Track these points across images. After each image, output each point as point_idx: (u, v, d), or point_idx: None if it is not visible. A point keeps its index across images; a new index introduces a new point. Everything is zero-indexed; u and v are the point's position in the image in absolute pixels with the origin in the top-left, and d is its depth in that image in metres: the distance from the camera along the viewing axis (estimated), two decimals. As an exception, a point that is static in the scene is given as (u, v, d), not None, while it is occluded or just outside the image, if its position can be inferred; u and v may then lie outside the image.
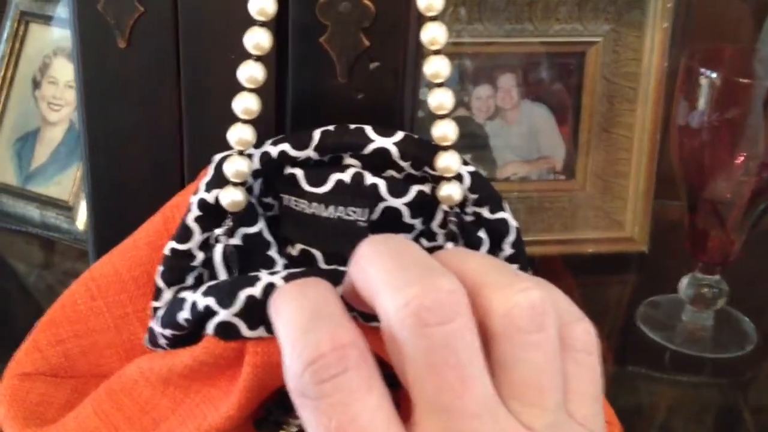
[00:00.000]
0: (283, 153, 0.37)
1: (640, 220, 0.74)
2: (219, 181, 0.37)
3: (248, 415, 0.35)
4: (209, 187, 0.37)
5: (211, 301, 0.33)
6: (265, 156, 0.37)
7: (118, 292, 0.38)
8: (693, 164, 0.60)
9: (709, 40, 0.72)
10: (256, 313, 0.33)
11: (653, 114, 0.70)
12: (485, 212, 0.38)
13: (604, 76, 0.71)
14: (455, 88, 0.70)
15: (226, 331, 0.33)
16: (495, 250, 0.39)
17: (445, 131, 0.36)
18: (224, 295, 0.33)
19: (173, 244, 0.37)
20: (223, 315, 0.33)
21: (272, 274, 0.34)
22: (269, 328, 0.33)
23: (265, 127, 0.39)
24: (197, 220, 0.37)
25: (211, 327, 0.33)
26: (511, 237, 0.39)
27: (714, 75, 0.57)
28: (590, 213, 0.74)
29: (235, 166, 0.36)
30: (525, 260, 0.40)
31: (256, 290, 0.33)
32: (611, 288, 0.75)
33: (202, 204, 0.36)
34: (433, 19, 0.35)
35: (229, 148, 0.36)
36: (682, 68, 0.59)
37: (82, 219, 0.71)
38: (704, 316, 0.65)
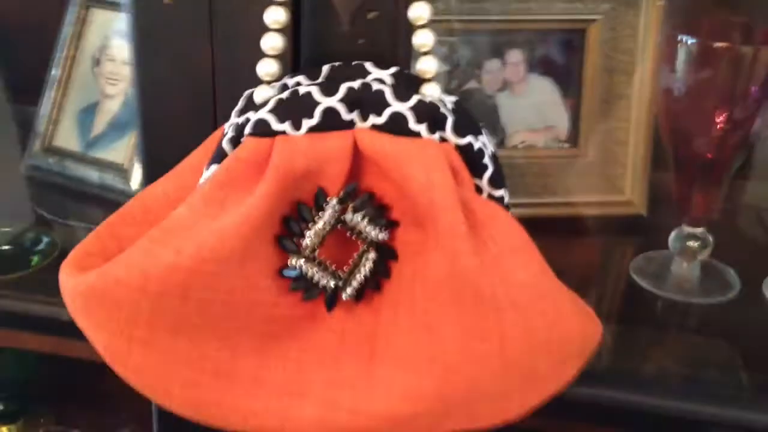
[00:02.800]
0: (297, 83, 0.45)
1: (638, 184, 0.80)
2: (248, 107, 0.45)
3: (270, 229, 0.43)
4: (240, 114, 0.45)
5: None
6: (284, 86, 0.45)
7: (164, 208, 0.47)
8: (675, 125, 0.67)
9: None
10: (283, 109, 0.42)
11: (649, 86, 0.77)
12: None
13: (603, 51, 0.78)
14: (467, 64, 0.78)
15: (260, 127, 0.42)
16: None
17: (424, 39, 0.43)
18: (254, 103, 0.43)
19: (213, 165, 0.45)
20: (259, 114, 0.42)
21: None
22: (294, 124, 0.42)
23: (284, 65, 0.47)
24: (231, 140, 0.45)
25: (248, 127, 0.42)
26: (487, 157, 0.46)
27: (691, 41, 0.63)
28: (592, 178, 0.81)
29: (263, 94, 0.44)
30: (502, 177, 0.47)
31: (282, 95, 0.42)
32: (611, 248, 0.81)
33: (235, 126, 0.45)
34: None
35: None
36: (664, 37, 0.65)
37: (135, 180, 0.80)
38: (691, 267, 0.71)
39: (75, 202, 0.83)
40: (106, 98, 0.83)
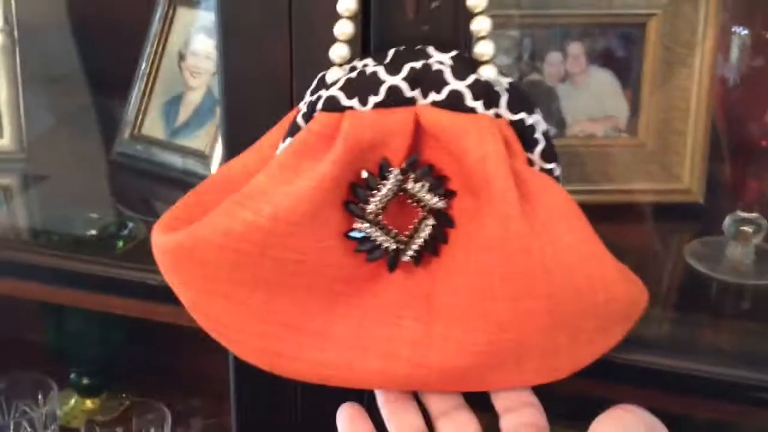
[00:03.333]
0: (365, 65, 0.49)
1: (696, 173, 0.82)
2: (320, 87, 0.50)
3: (339, 194, 0.47)
4: (313, 92, 0.50)
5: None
6: (353, 68, 0.50)
7: (245, 179, 0.52)
8: (729, 113, 0.70)
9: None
10: (351, 87, 0.47)
11: (706, 77, 0.79)
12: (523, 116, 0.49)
13: (662, 43, 0.80)
14: (529, 56, 0.82)
15: (331, 102, 0.47)
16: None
17: (481, 25, 0.48)
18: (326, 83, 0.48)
19: (288, 138, 0.50)
20: (330, 91, 0.47)
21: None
22: (362, 101, 0.47)
23: (354, 49, 0.52)
24: (304, 116, 0.50)
25: (320, 104, 0.47)
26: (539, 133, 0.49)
27: (744, 31, 0.66)
28: (651, 167, 0.83)
29: (334, 74, 0.49)
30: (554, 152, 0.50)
31: (351, 74, 0.47)
32: (669, 234, 0.83)
33: (309, 103, 0.49)
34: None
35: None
36: (719, 27, 0.68)
37: (215, 165, 0.86)
38: (746, 251, 0.74)
39: (160, 186, 0.89)
40: (189, 90, 0.90)
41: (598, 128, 0.83)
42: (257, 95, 0.57)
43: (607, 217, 0.82)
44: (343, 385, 0.51)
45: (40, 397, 1.06)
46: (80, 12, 1.05)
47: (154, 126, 0.91)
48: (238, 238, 0.47)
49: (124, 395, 1.15)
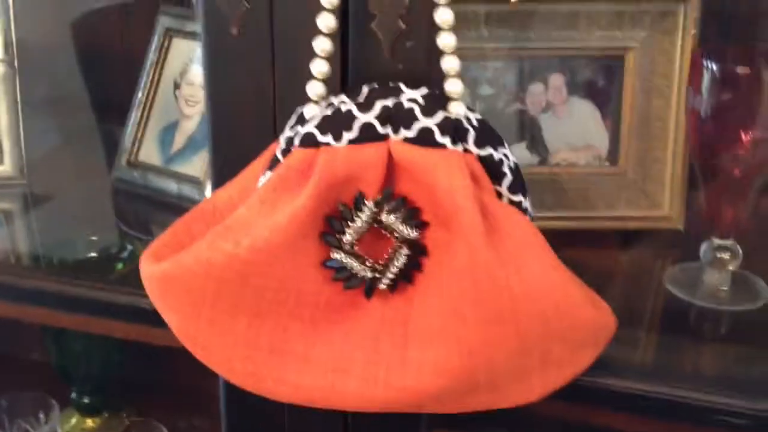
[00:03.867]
0: (341, 102, 0.52)
1: (676, 200, 0.85)
2: (297, 122, 0.52)
3: (315, 226, 0.50)
4: (291, 128, 0.53)
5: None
6: (330, 105, 0.52)
7: (229, 209, 0.54)
8: (702, 144, 0.72)
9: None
10: (326, 124, 0.49)
11: (684, 108, 0.82)
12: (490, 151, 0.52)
13: (641, 75, 0.83)
14: (511, 87, 0.84)
15: (307, 139, 0.50)
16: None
17: (451, 64, 0.50)
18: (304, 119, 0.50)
19: (268, 172, 0.53)
20: (306, 128, 0.49)
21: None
22: (336, 137, 0.49)
23: (332, 85, 0.54)
24: (282, 151, 0.52)
25: (297, 140, 0.50)
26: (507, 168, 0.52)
27: (714, 65, 0.68)
28: (632, 195, 0.85)
29: (311, 111, 0.52)
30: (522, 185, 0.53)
31: (327, 112, 0.50)
32: (650, 260, 0.85)
33: (287, 139, 0.52)
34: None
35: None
36: (691, 61, 0.71)
37: (209, 191, 0.88)
38: (722, 277, 0.76)
39: (156, 211, 0.92)
40: (184, 118, 0.92)
41: (579, 157, 0.86)
42: (243, 125, 0.59)
43: (589, 244, 0.86)
44: (324, 406, 0.53)
45: (41, 415, 1.08)
46: (81, 39, 1.08)
47: (150, 153, 0.94)
48: (219, 268, 0.49)
49: (125, 413, 1.17)
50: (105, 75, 1.09)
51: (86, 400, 1.15)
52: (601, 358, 0.64)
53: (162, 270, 0.51)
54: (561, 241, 0.82)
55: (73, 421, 1.16)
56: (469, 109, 0.52)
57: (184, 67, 0.94)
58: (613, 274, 0.83)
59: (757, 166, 0.71)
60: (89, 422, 1.16)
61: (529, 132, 0.86)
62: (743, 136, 0.70)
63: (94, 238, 0.94)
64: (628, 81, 0.84)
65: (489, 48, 0.84)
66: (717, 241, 0.75)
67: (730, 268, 0.75)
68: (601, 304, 0.53)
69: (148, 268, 0.53)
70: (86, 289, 0.79)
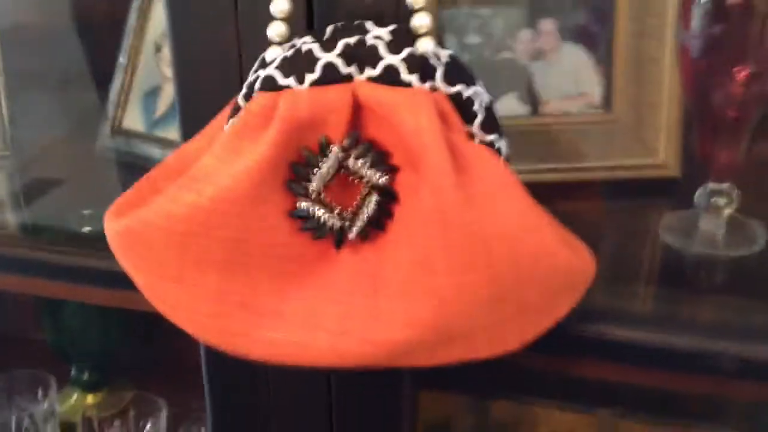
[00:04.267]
0: (304, 42, 0.50)
1: (672, 147, 0.82)
2: (260, 66, 0.50)
3: (280, 174, 0.48)
4: (254, 72, 0.50)
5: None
6: (293, 46, 0.50)
7: (196, 162, 0.52)
8: (694, 83, 0.69)
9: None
10: (287, 66, 0.47)
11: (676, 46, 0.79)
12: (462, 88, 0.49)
13: (633, 16, 0.80)
14: (500, 34, 0.81)
15: (268, 82, 0.47)
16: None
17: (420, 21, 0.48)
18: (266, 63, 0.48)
19: (231, 119, 0.50)
20: (267, 70, 0.47)
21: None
22: (298, 79, 0.47)
23: (298, 27, 0.52)
24: (245, 96, 0.50)
25: (258, 84, 0.47)
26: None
27: (704, -1, 0.65)
28: (626, 142, 0.83)
29: (273, 54, 0.49)
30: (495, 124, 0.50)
31: (288, 53, 0.47)
32: (646, 209, 0.83)
33: (248, 84, 0.50)
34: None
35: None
36: (680, -4, 0.68)
37: (193, 156, 0.86)
38: (718, 223, 0.73)
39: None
40: (166, 81, 0.90)
41: (572, 105, 0.83)
42: (209, 77, 0.57)
43: (583, 195, 0.83)
44: (297, 363, 0.51)
45: (40, 393, 1.07)
46: (61, 9, 1.06)
47: (134, 119, 0.92)
48: (182, 220, 0.47)
49: (124, 390, 1.16)
50: (91, 45, 1.07)
51: (86, 377, 1.14)
52: (595, 307, 0.62)
53: (124, 225, 0.49)
54: (554, 193, 0.81)
55: (74, 397, 1.15)
56: (440, 45, 0.49)
57: (165, 28, 0.91)
58: (608, 226, 0.81)
59: (752, 104, 0.68)
60: (89, 398, 1.15)
61: (519, 81, 0.83)
62: (735, 74, 0.67)
63: (88, 211, 0.92)
64: (620, 22, 0.80)
65: (475, -5, 0.81)
66: (711, 186, 0.72)
67: (726, 212, 0.73)
68: (579, 248, 0.51)
69: (111, 225, 0.51)
70: (82, 257, 0.78)
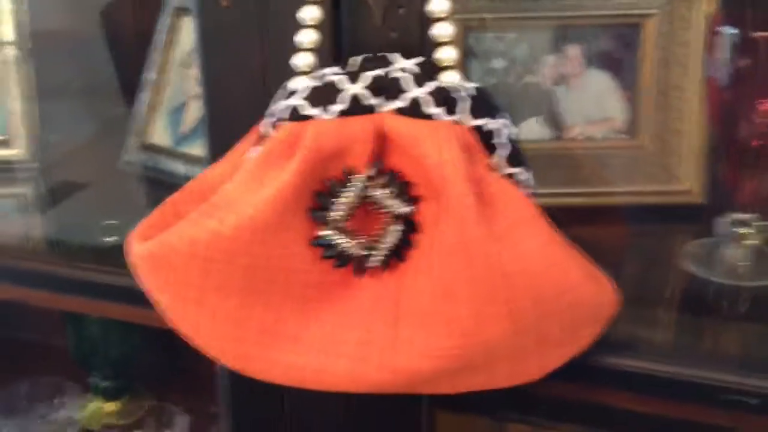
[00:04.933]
0: (332, 72, 0.50)
1: (696, 173, 0.81)
2: (284, 95, 0.51)
3: (303, 202, 0.48)
4: (280, 100, 0.51)
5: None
6: (320, 76, 0.50)
7: (219, 187, 0.52)
8: (720, 112, 0.69)
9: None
10: (314, 96, 0.47)
11: (703, 77, 0.78)
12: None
13: (659, 43, 0.80)
14: (525, 59, 0.82)
15: (294, 112, 0.48)
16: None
17: (442, 30, 0.48)
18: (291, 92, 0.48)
19: (256, 147, 0.51)
20: (294, 100, 0.47)
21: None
22: (324, 109, 0.47)
23: (325, 57, 0.53)
24: (271, 125, 0.50)
25: (284, 113, 0.48)
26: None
27: (732, 31, 0.65)
28: (650, 168, 0.82)
29: (300, 83, 0.50)
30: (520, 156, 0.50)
31: (315, 83, 0.47)
32: (669, 236, 0.82)
33: (274, 112, 0.50)
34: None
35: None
36: (708, 27, 0.68)
37: (218, 172, 0.87)
38: (742, 253, 0.73)
39: (166, 194, 0.91)
40: (193, 99, 0.91)
41: (596, 130, 0.83)
42: (237, 97, 0.58)
43: (606, 220, 0.83)
44: (315, 387, 0.51)
45: (60, 400, 1.08)
46: (96, 22, 1.08)
47: (160, 134, 0.93)
48: (204, 247, 0.48)
49: (144, 398, 1.16)
50: (120, 58, 1.08)
51: (105, 385, 1.15)
52: (616, 337, 0.62)
53: (147, 249, 0.50)
54: (577, 217, 0.81)
55: (93, 405, 1.16)
56: (465, 78, 0.49)
57: (194, 46, 0.92)
58: (630, 252, 0.80)
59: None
60: (109, 407, 1.16)
61: (544, 105, 0.83)
62: (760, 105, 0.67)
63: (112, 222, 0.93)
64: (647, 50, 0.80)
65: (502, 18, 0.81)
66: (735, 215, 0.72)
67: (750, 242, 0.72)
68: (602, 280, 0.51)
69: (134, 248, 0.51)
70: (103, 274, 0.78)
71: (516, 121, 0.81)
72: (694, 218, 0.83)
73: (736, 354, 0.68)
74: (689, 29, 0.79)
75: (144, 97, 0.94)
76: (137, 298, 0.74)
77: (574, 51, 0.82)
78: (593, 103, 0.83)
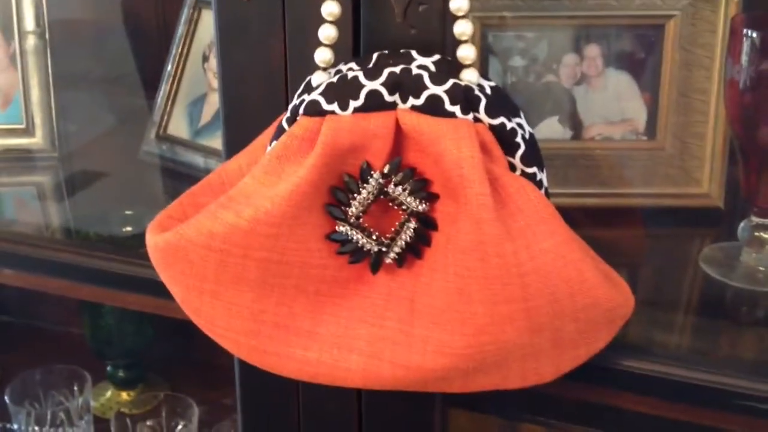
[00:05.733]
0: (350, 68, 0.50)
1: (716, 177, 0.81)
2: (305, 91, 0.51)
3: (319, 197, 0.48)
4: (298, 96, 0.51)
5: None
6: (338, 72, 0.50)
7: (238, 180, 0.53)
8: (740, 117, 0.68)
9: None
10: (332, 92, 0.47)
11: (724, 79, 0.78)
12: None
13: (682, 46, 0.79)
14: (544, 58, 0.81)
15: (312, 107, 0.48)
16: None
17: (463, 28, 0.48)
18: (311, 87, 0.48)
19: (274, 141, 0.51)
20: (312, 95, 0.47)
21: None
22: (342, 105, 0.47)
23: (344, 52, 0.53)
24: (288, 120, 0.51)
25: (302, 108, 0.48)
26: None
27: (754, 33, 0.65)
28: (669, 171, 0.82)
29: (318, 78, 0.50)
30: (537, 156, 0.50)
31: (333, 79, 0.47)
32: (687, 239, 0.82)
33: (293, 107, 0.50)
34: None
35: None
36: (730, 29, 0.67)
37: (235, 165, 0.87)
38: (761, 257, 0.72)
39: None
40: (212, 91, 0.91)
41: (615, 131, 0.83)
42: (254, 91, 0.58)
43: (624, 221, 0.83)
44: (328, 383, 0.52)
45: (75, 387, 1.09)
46: (117, 12, 1.08)
47: (178, 126, 0.93)
48: (220, 240, 0.48)
49: (158, 388, 1.17)
50: (140, 49, 1.08)
51: (121, 374, 1.16)
52: (631, 339, 0.62)
53: (164, 240, 0.50)
54: (594, 218, 0.81)
55: (108, 394, 1.17)
56: (484, 77, 0.49)
57: (213, 39, 0.92)
58: (648, 254, 0.80)
59: (799, 140, 0.67)
60: (124, 395, 1.17)
61: (563, 105, 0.82)
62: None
63: (129, 212, 0.94)
64: (668, 52, 0.80)
65: (521, 17, 0.81)
66: (755, 220, 0.72)
67: (769, 246, 0.72)
68: (618, 282, 0.50)
69: (152, 239, 0.51)
70: (121, 264, 0.79)
71: (535, 121, 0.81)
72: (712, 222, 0.82)
73: (751, 359, 0.67)
74: (711, 31, 0.79)
75: (163, 88, 0.95)
76: (155, 288, 0.75)
77: (594, 51, 0.81)
78: (613, 103, 0.82)
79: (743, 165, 0.71)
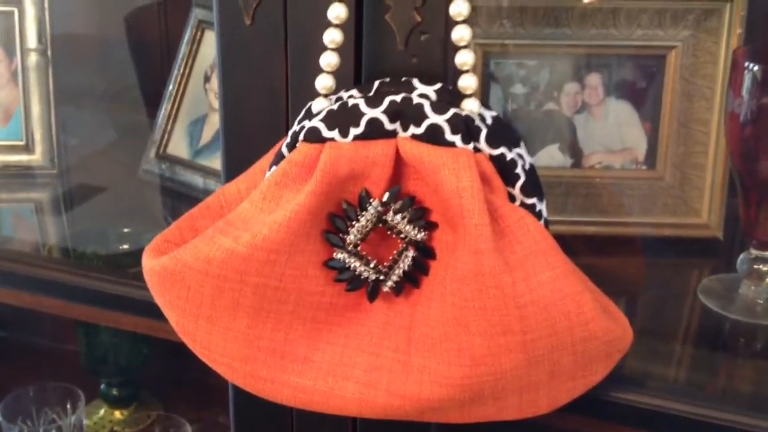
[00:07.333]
0: (350, 96, 0.50)
1: (715, 208, 0.81)
2: (305, 117, 0.50)
3: (318, 224, 0.48)
4: (299, 122, 0.51)
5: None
6: (339, 99, 0.50)
7: (237, 204, 0.53)
8: (741, 149, 0.68)
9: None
10: (332, 119, 0.47)
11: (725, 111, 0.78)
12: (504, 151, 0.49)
13: (683, 76, 0.79)
14: (546, 86, 0.81)
15: (312, 133, 0.47)
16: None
17: (465, 58, 0.48)
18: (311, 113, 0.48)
19: (273, 166, 0.51)
20: (312, 122, 0.47)
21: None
22: (342, 132, 0.47)
23: (346, 79, 0.53)
24: (287, 146, 0.50)
25: (302, 134, 0.48)
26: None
27: (755, 67, 0.65)
28: (669, 200, 0.82)
29: (319, 105, 0.50)
30: (537, 187, 0.50)
31: (333, 106, 0.47)
32: (686, 269, 0.82)
33: (293, 133, 0.50)
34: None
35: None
36: (732, 62, 0.67)
37: (234, 186, 0.87)
38: (759, 290, 0.72)
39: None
40: (213, 111, 0.91)
41: (615, 160, 0.83)
42: (254, 114, 0.58)
43: (623, 250, 0.83)
44: (323, 410, 0.51)
45: (68, 405, 1.08)
46: (121, 31, 1.08)
47: (178, 146, 0.93)
48: (217, 265, 0.48)
49: (151, 407, 1.16)
50: (142, 67, 1.09)
51: (115, 392, 1.15)
52: (628, 371, 0.61)
53: (161, 264, 0.50)
54: (593, 246, 0.81)
55: (101, 412, 1.16)
56: (485, 106, 0.49)
57: (215, 59, 0.92)
58: (646, 284, 0.80)
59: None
60: (117, 414, 1.16)
61: (563, 133, 0.82)
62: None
63: (127, 230, 0.94)
64: (669, 82, 0.80)
65: (523, 45, 0.81)
66: (755, 252, 0.71)
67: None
68: (616, 315, 0.50)
69: (149, 263, 0.51)
70: (116, 284, 0.78)
71: (535, 148, 0.81)
72: (711, 252, 0.82)
73: (748, 393, 0.67)
74: (713, 62, 0.79)
75: (164, 108, 0.95)
76: (149, 310, 0.75)
77: (595, 80, 0.81)
78: (613, 132, 0.82)
79: (743, 198, 0.71)
